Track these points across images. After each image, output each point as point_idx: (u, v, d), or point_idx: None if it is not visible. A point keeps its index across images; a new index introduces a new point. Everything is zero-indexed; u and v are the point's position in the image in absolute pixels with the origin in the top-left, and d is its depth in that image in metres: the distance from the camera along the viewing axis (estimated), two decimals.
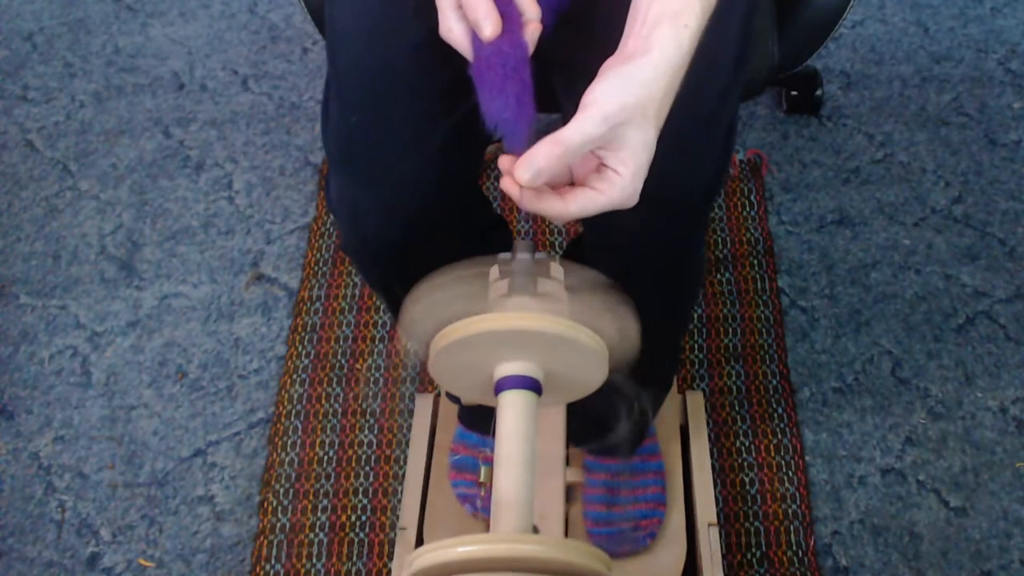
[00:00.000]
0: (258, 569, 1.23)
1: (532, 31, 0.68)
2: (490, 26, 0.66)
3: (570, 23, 0.78)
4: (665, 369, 1.17)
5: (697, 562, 1.15)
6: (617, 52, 0.65)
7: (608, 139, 0.63)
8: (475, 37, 0.68)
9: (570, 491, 0.94)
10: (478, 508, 1.17)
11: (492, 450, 0.67)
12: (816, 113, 1.67)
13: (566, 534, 1.00)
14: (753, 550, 1.22)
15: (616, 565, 1.14)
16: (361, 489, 1.29)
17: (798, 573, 1.20)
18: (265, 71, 1.82)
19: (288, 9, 1.92)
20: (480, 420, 1.20)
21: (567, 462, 0.98)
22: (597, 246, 0.97)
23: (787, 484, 1.27)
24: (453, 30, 0.69)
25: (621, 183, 0.64)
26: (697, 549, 1.15)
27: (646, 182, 0.67)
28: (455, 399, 1.23)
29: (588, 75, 0.65)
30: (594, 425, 1.12)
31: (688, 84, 0.68)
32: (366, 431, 1.34)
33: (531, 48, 0.68)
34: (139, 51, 1.88)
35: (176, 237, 1.57)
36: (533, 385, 0.69)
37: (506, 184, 0.65)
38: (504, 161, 0.65)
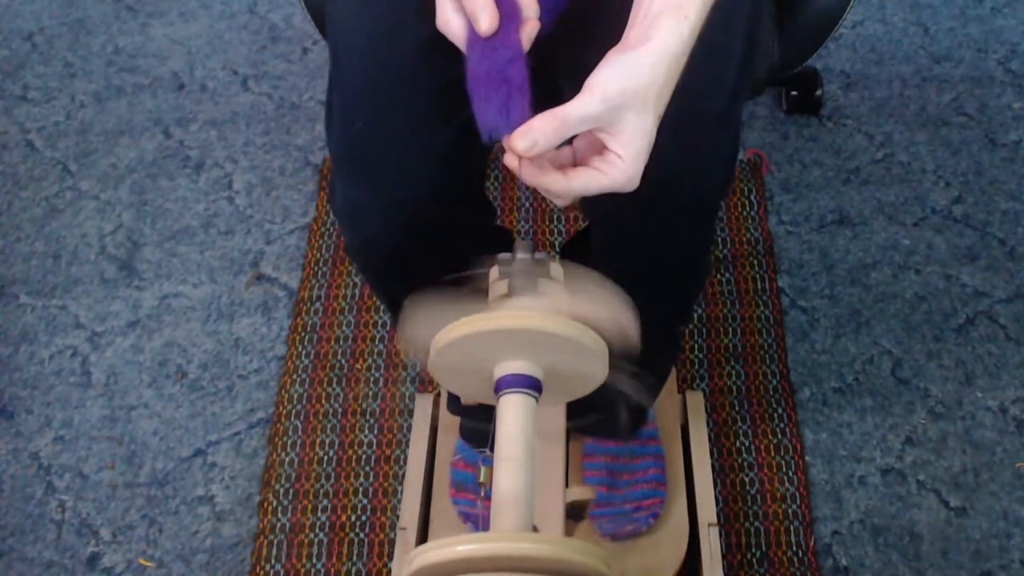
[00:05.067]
0: (258, 569, 1.23)
1: (530, 29, 0.68)
2: (487, 19, 0.66)
3: (575, 24, 0.78)
4: (665, 359, 1.17)
5: (697, 562, 1.15)
6: (621, 41, 0.66)
7: (607, 121, 0.64)
8: (471, 32, 0.68)
9: (578, 509, 0.95)
10: (479, 528, 1.16)
11: (492, 451, 0.67)
12: (816, 113, 1.67)
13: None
14: (753, 550, 1.22)
15: (616, 560, 1.14)
16: (361, 489, 1.29)
17: (798, 573, 1.20)
18: (265, 71, 1.82)
19: (288, 9, 1.92)
20: (482, 435, 1.20)
21: (567, 460, 0.98)
22: (605, 246, 0.97)
23: (787, 484, 1.27)
24: (451, 22, 0.69)
25: (623, 166, 0.65)
26: (697, 549, 1.15)
27: (656, 182, 0.68)
28: (457, 412, 1.23)
29: None
30: (593, 411, 1.12)
31: (697, 83, 0.69)
32: (366, 431, 1.34)
33: (526, 47, 0.68)
34: (139, 51, 1.88)
35: (176, 237, 1.57)
36: (533, 384, 0.69)
37: (508, 159, 0.66)
38: (507, 139, 0.65)
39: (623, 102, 0.64)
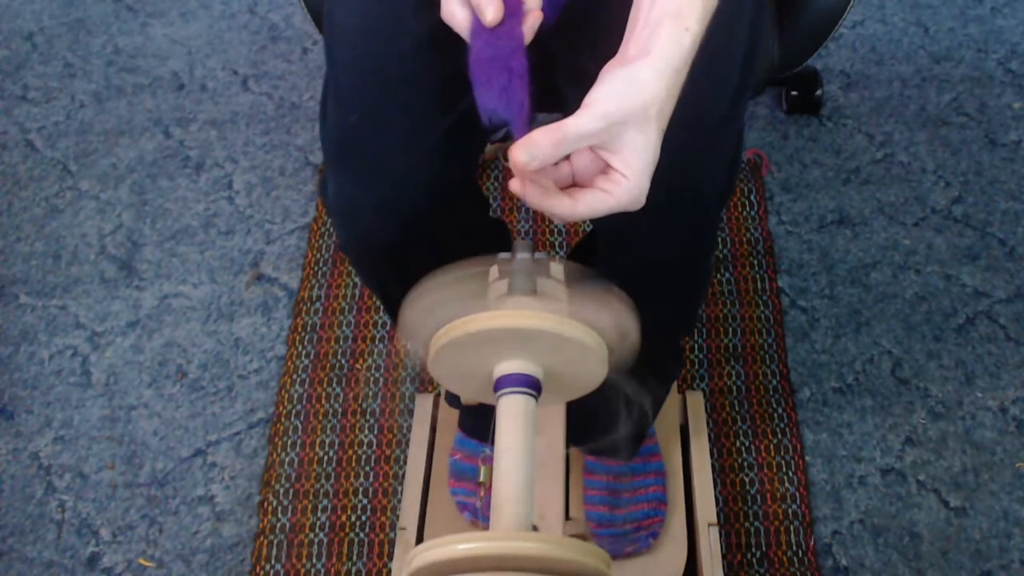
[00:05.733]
0: (258, 569, 1.23)
1: (533, 20, 0.68)
2: (492, 10, 0.66)
3: (576, 26, 0.78)
4: (667, 370, 1.17)
5: (697, 562, 1.15)
6: (618, 54, 0.66)
7: (607, 139, 0.63)
8: (475, 23, 0.68)
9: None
10: (477, 517, 1.17)
11: (492, 450, 0.67)
12: (816, 113, 1.67)
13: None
14: (753, 550, 1.22)
15: (616, 565, 1.14)
16: (361, 489, 1.29)
17: (798, 573, 1.20)
18: (265, 71, 1.82)
19: (288, 9, 1.92)
20: (481, 428, 1.20)
21: (567, 460, 0.98)
22: (609, 250, 0.97)
23: (787, 484, 1.27)
24: (455, 14, 0.69)
25: (627, 185, 0.64)
26: (697, 549, 1.15)
27: (658, 188, 0.67)
28: (455, 404, 1.23)
29: (594, 78, 0.65)
30: (595, 427, 1.12)
31: (699, 91, 0.68)
32: (366, 431, 1.34)
33: (529, 38, 0.68)
34: (139, 51, 1.88)
35: (176, 237, 1.57)
36: (533, 384, 0.69)
37: (512, 185, 0.65)
38: (508, 151, 0.65)
39: (623, 119, 0.63)
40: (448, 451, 1.24)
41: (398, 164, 0.84)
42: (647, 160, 0.64)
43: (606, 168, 0.65)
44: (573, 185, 0.68)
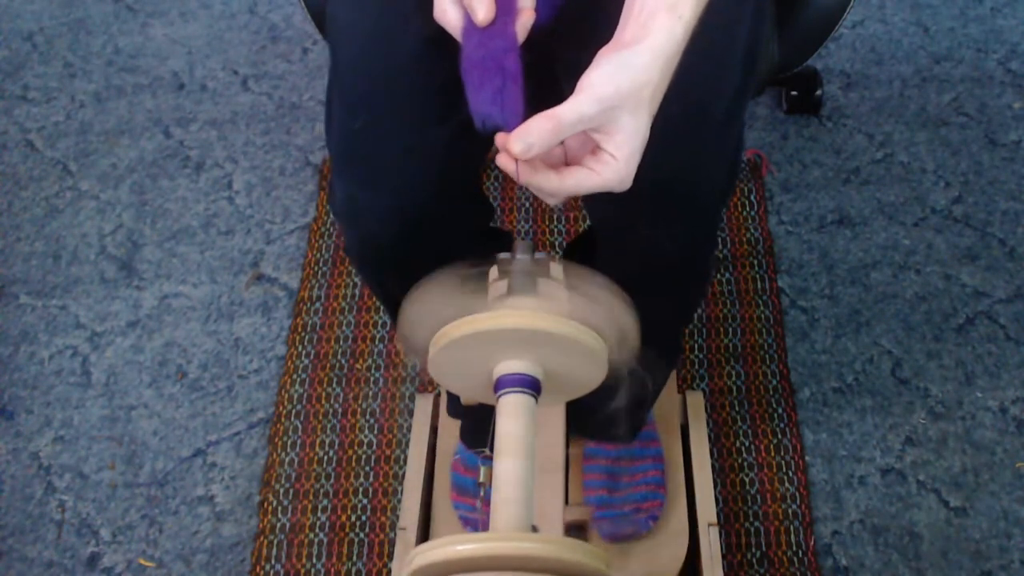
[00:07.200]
0: (258, 569, 1.23)
1: (526, 19, 0.68)
2: (484, 9, 0.66)
3: (576, 23, 0.78)
4: (665, 359, 1.17)
5: (697, 562, 1.15)
6: (613, 39, 0.66)
7: (602, 122, 0.64)
8: (467, 22, 0.68)
9: (577, 527, 0.95)
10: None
11: (492, 451, 0.68)
12: (816, 113, 1.67)
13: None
14: (753, 550, 1.22)
15: (616, 562, 1.15)
16: (361, 489, 1.29)
17: (798, 573, 1.20)
18: (265, 71, 1.82)
19: (288, 9, 1.92)
20: (483, 439, 1.20)
21: (567, 460, 0.98)
22: (608, 250, 0.97)
23: (787, 484, 1.27)
24: (447, 12, 0.69)
25: (616, 166, 0.65)
26: (697, 549, 1.15)
27: (658, 185, 0.67)
28: (457, 415, 1.23)
29: None
30: (593, 412, 1.12)
31: (699, 91, 0.68)
32: (366, 431, 1.34)
33: (522, 37, 0.68)
34: (139, 51, 1.88)
35: (176, 237, 1.57)
36: (532, 384, 0.69)
37: (501, 160, 0.66)
38: (500, 138, 0.65)
39: (617, 102, 0.63)
40: (449, 451, 1.24)
41: (402, 166, 0.84)
42: (637, 143, 0.65)
43: (595, 148, 0.66)
44: (563, 163, 0.69)
